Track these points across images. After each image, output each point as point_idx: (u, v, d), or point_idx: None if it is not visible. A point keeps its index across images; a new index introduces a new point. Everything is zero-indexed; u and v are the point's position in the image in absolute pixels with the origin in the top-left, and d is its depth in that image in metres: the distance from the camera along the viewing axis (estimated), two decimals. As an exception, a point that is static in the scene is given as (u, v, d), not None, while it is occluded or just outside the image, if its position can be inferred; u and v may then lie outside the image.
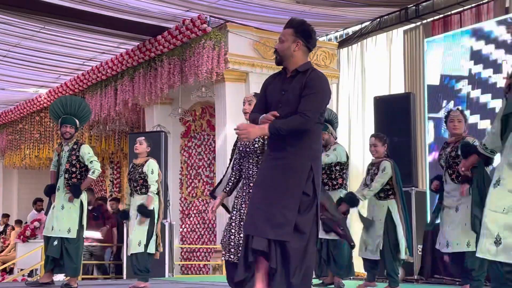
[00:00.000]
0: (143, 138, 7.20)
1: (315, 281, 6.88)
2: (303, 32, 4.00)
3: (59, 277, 9.50)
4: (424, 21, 10.15)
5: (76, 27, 10.36)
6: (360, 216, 6.53)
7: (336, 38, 11.57)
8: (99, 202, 11.73)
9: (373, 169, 6.41)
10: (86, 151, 6.69)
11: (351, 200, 6.26)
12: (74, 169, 6.66)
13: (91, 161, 6.63)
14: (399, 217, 6.27)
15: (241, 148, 4.47)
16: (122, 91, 11.82)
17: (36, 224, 12.09)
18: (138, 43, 11.22)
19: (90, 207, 9.76)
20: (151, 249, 6.85)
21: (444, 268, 7.75)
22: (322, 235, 6.47)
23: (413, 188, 8.33)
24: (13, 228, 14.15)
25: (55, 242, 6.56)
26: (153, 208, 6.91)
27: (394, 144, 8.34)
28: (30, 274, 11.28)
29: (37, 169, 16.04)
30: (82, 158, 6.65)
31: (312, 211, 3.71)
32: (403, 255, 6.27)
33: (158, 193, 7.04)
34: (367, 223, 6.38)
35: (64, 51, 11.62)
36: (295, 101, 3.75)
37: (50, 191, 6.80)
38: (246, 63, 10.21)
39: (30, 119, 15.09)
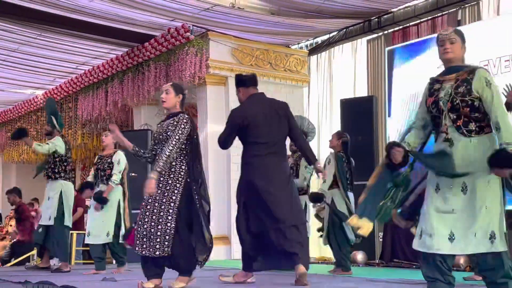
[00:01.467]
0: (108, 131, 6.79)
1: None
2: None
3: (54, 261, 9.43)
4: (385, 32, 10.22)
5: (70, 34, 10.27)
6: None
7: (306, 46, 11.61)
8: (20, 202, 11.31)
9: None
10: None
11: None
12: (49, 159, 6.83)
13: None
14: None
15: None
16: (112, 92, 11.74)
17: (33, 214, 11.96)
18: (127, 49, 11.15)
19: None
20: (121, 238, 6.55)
21: (402, 253, 7.84)
22: None
23: (375, 181, 8.39)
24: (10, 219, 13.97)
25: (40, 230, 6.60)
26: (113, 197, 6.56)
27: (359, 142, 8.44)
28: (27, 260, 11.15)
29: (35, 163, 15.86)
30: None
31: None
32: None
33: (122, 184, 6.69)
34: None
35: (59, 56, 11.51)
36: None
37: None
38: (225, 68, 10.20)
39: (28, 118, 14.93)
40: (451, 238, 3.20)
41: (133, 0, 8.92)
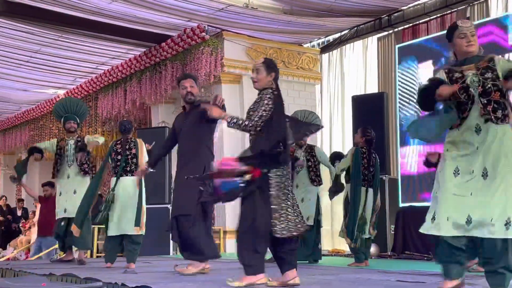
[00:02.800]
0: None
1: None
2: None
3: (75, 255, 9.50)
4: (396, 30, 10.17)
5: (90, 35, 10.33)
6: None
7: (318, 44, 11.58)
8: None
9: None
10: (88, 136, 6.85)
11: None
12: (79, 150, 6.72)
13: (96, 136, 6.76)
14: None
15: None
16: (131, 91, 11.80)
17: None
18: (145, 50, 11.20)
19: None
20: None
21: (414, 245, 7.81)
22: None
23: (386, 175, 8.37)
24: (34, 214, 14.11)
25: (62, 223, 6.58)
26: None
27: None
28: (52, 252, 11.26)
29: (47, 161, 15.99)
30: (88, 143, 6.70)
31: None
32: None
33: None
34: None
35: (79, 57, 11.59)
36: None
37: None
38: (240, 67, 10.21)
39: (50, 116, 15.01)
40: (468, 222, 3.18)
41: (150, 1, 8.96)
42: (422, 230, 3.35)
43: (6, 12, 9.15)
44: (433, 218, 3.29)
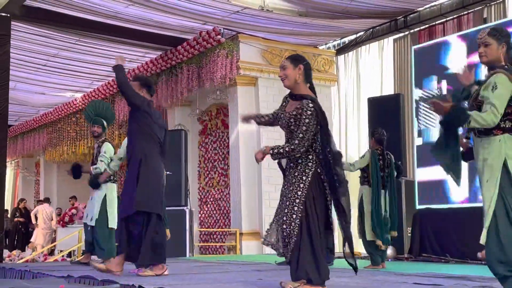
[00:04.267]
0: None
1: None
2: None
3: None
4: (412, 31, 10.11)
5: (106, 39, 10.41)
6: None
7: (334, 46, 11.55)
8: None
9: None
10: (104, 149, 6.63)
11: None
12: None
13: (101, 159, 6.53)
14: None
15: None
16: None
17: (73, 211, 12.16)
18: (161, 53, 11.25)
19: None
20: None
21: (431, 247, 7.76)
22: None
23: (403, 177, 8.32)
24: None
25: (88, 228, 6.65)
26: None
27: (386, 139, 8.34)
28: (69, 255, 11.37)
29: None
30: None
31: None
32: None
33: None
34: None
35: (96, 60, 11.68)
36: None
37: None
38: (255, 69, 10.22)
39: (67, 119, 15.17)
40: None
41: (166, 5, 9.00)
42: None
43: (24, 16, 9.25)
44: None
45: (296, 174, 3.65)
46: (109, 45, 10.74)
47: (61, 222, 12.41)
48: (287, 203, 3.63)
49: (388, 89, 10.40)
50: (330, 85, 11.18)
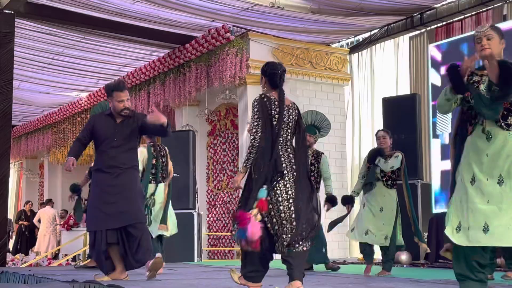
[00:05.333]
0: None
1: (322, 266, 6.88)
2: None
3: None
4: (428, 28, 10.07)
5: (112, 36, 10.46)
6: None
7: (347, 44, 11.53)
8: None
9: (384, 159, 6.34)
10: None
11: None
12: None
13: None
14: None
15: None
16: (154, 94, 11.90)
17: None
18: (169, 51, 11.28)
19: None
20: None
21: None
22: None
23: (419, 180, 8.28)
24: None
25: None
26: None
27: (401, 141, 8.31)
28: (74, 259, 11.41)
29: (79, 165, 16.15)
30: None
31: None
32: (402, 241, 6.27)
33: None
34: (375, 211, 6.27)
35: (102, 58, 11.74)
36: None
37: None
38: (266, 68, 10.20)
39: (72, 120, 15.24)
40: (485, 230, 3.18)
41: (174, 2, 9.03)
42: (452, 239, 3.36)
43: (28, 13, 9.32)
44: (458, 228, 3.33)
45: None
46: (115, 43, 10.79)
47: (65, 226, 12.46)
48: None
49: (404, 89, 10.36)
50: (343, 85, 11.16)
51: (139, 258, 4.89)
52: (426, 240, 8.09)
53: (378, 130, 6.64)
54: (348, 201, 6.29)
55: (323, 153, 6.90)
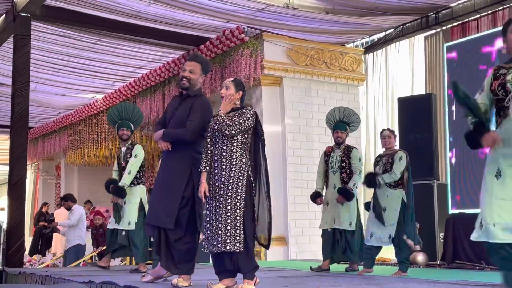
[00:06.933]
0: None
1: (339, 266, 6.87)
2: (207, 71, 4.98)
3: (115, 262, 9.67)
4: (444, 28, 10.02)
5: (127, 38, 10.52)
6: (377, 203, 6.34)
7: (362, 44, 11.50)
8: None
9: (385, 158, 6.33)
10: (135, 152, 6.74)
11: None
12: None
13: (129, 171, 6.66)
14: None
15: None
16: (169, 95, 11.93)
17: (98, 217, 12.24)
18: (183, 52, 11.32)
19: None
20: None
21: (464, 253, 7.66)
22: (337, 225, 6.49)
23: (435, 181, 8.24)
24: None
25: (123, 233, 6.71)
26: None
27: (417, 141, 8.29)
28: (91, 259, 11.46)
29: (95, 166, 16.30)
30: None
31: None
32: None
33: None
34: (378, 211, 6.25)
35: (117, 60, 11.80)
36: (181, 118, 4.68)
37: (108, 186, 6.87)
38: (280, 69, 10.22)
39: (88, 121, 15.31)
40: None
41: (188, 3, 9.06)
42: (474, 238, 3.30)
43: (44, 16, 9.40)
44: (480, 225, 3.25)
45: (232, 175, 4.32)
46: (130, 44, 10.85)
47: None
48: (229, 201, 4.26)
49: (419, 89, 10.32)
50: (358, 85, 11.13)
51: None
52: (442, 240, 8.06)
53: (383, 129, 6.61)
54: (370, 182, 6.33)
55: (355, 147, 6.89)
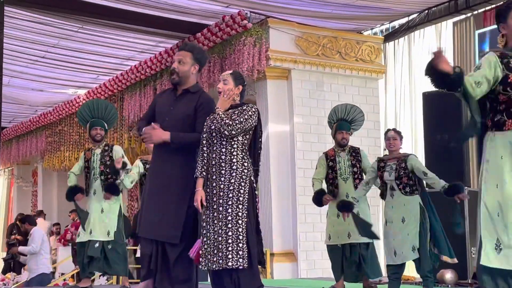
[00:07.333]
0: None
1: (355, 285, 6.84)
2: (201, 59, 4.66)
3: (101, 281, 9.66)
4: (475, 12, 9.99)
5: (114, 26, 10.51)
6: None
7: (381, 31, 11.49)
8: None
9: (393, 163, 6.20)
10: (119, 150, 6.88)
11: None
12: (109, 170, 6.75)
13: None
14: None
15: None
16: (161, 90, 11.92)
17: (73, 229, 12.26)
18: (177, 41, 11.32)
19: None
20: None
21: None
22: (355, 239, 6.45)
23: (466, 187, 8.19)
24: (51, 234, 14.37)
25: (96, 244, 6.68)
26: None
27: (445, 141, 8.24)
28: (73, 277, 11.46)
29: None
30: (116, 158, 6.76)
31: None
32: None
33: None
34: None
35: (102, 51, 11.81)
36: (182, 118, 4.48)
37: (73, 194, 6.88)
38: (288, 60, 10.20)
39: (69, 120, 15.31)
40: None
41: (183, -15, 9.06)
42: (487, 262, 3.31)
43: (19, 0, 9.40)
44: (498, 248, 3.26)
45: (232, 180, 4.32)
46: (117, 33, 10.85)
47: (62, 240, 12.54)
48: (229, 211, 4.26)
49: (447, 82, 10.29)
50: (377, 78, 11.12)
51: None
52: (474, 256, 8.01)
53: (388, 130, 6.52)
54: (345, 207, 6.20)
55: (358, 147, 6.86)
